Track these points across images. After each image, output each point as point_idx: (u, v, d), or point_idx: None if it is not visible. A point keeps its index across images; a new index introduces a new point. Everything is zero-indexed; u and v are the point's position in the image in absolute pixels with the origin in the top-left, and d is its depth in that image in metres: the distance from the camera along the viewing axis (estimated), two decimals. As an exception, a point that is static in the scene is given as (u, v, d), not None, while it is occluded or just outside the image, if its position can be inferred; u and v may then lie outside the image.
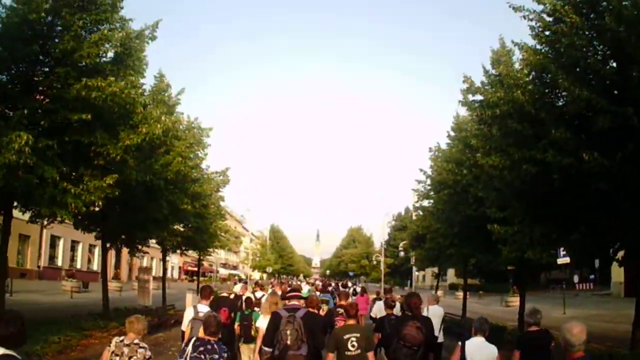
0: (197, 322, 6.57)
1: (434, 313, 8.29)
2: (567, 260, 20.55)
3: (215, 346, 4.78)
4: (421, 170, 17.01)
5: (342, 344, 5.70)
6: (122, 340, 4.96)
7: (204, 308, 7.11)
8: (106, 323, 13.96)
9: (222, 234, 21.65)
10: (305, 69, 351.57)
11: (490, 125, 10.39)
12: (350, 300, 9.87)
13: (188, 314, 7.15)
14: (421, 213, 21.39)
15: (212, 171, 17.27)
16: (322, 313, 9.49)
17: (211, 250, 22.01)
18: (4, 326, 3.13)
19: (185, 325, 7.08)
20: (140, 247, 15.91)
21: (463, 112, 15.72)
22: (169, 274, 65.55)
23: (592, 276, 31.82)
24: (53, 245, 35.32)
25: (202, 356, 4.70)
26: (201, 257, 23.74)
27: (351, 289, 25.57)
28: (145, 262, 56.50)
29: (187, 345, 4.85)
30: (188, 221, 16.50)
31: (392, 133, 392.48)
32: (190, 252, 25.50)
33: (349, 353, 5.69)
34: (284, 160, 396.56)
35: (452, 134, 16.63)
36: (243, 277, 58.85)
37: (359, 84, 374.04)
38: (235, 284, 45.71)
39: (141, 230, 13.95)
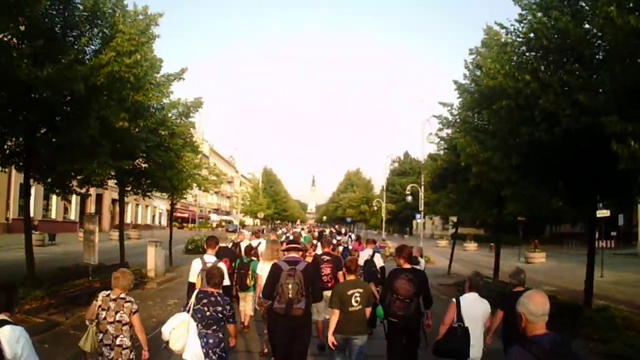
0: None
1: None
2: (607, 213, 17.06)
3: (219, 298, 4.80)
4: (455, 82, 12.45)
5: (345, 300, 5.59)
6: (108, 295, 4.88)
7: (210, 259, 7.20)
8: (27, 291, 9.97)
9: (197, 171, 17.29)
10: (303, 13, 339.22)
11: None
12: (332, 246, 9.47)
13: (196, 266, 7.14)
14: (441, 148, 17.18)
15: (163, 74, 12.24)
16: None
17: (184, 191, 17.51)
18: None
19: (194, 277, 7.07)
20: (70, 185, 11.68)
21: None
22: (155, 221, 62.34)
23: (613, 233, 28.25)
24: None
25: (206, 308, 4.69)
26: (174, 201, 19.37)
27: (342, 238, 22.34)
28: (129, 209, 52.96)
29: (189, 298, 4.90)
30: (138, 150, 11.95)
31: (392, 75, 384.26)
32: (168, 196, 21.35)
33: (352, 309, 5.59)
34: (279, 103, 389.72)
35: (482, 49, 12.18)
36: (235, 223, 55.16)
37: (359, 27, 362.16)
38: (227, 231, 42.41)
39: (62, 161, 9.69)
